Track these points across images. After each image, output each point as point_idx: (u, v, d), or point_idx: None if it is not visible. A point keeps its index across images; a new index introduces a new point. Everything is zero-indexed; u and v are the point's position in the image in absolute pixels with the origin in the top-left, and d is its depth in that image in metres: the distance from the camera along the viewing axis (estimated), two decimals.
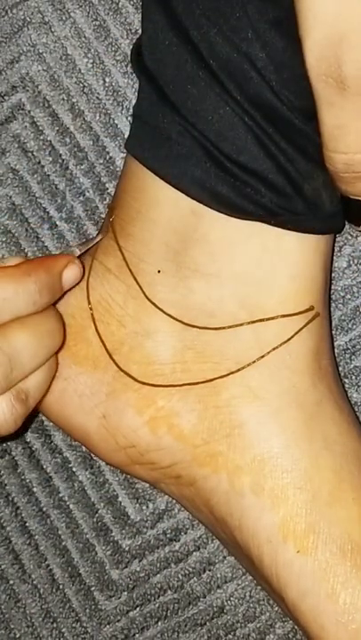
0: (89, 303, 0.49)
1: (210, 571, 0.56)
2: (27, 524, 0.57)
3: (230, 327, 0.47)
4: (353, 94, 0.37)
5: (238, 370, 0.47)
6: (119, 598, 0.57)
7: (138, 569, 0.57)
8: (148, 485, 0.56)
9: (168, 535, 0.56)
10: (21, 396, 0.45)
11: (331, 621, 0.46)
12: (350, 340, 0.56)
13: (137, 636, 0.56)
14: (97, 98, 0.56)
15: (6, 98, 0.57)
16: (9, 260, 0.46)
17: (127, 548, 0.57)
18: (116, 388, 0.49)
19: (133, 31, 0.56)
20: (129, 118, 0.56)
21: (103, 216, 0.56)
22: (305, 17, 0.37)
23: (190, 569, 0.56)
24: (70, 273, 0.47)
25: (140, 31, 0.53)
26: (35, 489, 0.57)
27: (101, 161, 0.57)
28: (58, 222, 0.57)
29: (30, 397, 0.45)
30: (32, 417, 0.53)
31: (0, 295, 0.43)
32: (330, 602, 0.46)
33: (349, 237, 0.55)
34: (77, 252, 0.49)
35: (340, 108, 0.38)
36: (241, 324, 0.47)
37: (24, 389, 0.45)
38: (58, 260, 0.47)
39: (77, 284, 0.50)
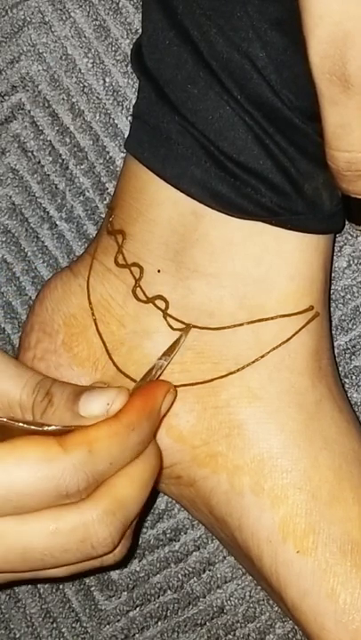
0: (90, 303, 0.49)
1: (210, 571, 0.56)
2: None
3: (230, 327, 0.47)
4: (357, 93, 0.37)
5: (237, 370, 0.47)
6: (119, 598, 0.57)
7: (138, 569, 0.57)
8: None
9: (168, 535, 0.56)
10: (128, 532, 0.44)
11: (331, 621, 0.46)
12: (350, 340, 0.56)
13: (137, 636, 0.56)
14: (97, 98, 0.56)
15: (6, 98, 0.57)
16: (98, 399, 0.42)
17: None
18: None
19: (133, 31, 0.56)
20: (129, 118, 0.56)
21: (103, 216, 0.56)
22: (309, 15, 0.37)
23: (190, 569, 0.56)
24: (167, 404, 0.45)
25: (140, 31, 0.53)
26: None
27: (101, 161, 0.57)
28: (58, 222, 0.57)
29: (131, 525, 0.44)
30: None
31: (106, 460, 0.41)
32: (330, 602, 0.46)
33: (349, 237, 0.55)
34: (165, 363, 0.47)
35: (343, 106, 0.38)
36: (241, 324, 0.47)
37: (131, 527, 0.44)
38: (157, 400, 0.44)
39: (79, 284, 0.50)
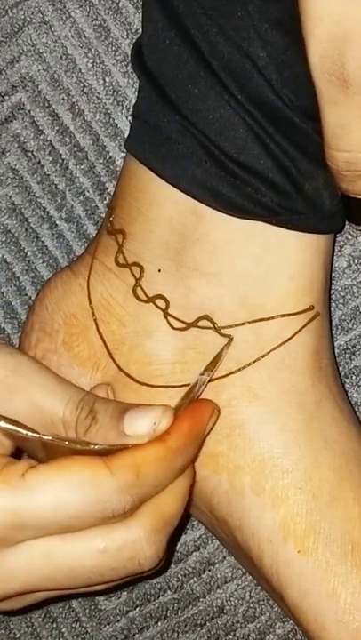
0: (90, 303, 0.49)
1: (210, 571, 0.56)
2: None
3: (230, 327, 0.47)
4: (356, 93, 0.37)
5: (238, 370, 0.47)
6: (119, 598, 0.57)
7: None
8: None
9: None
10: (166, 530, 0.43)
11: (331, 621, 0.46)
12: (350, 339, 0.56)
13: (137, 636, 0.56)
14: (97, 97, 0.56)
15: (6, 97, 0.57)
16: (144, 419, 0.41)
17: None
18: (116, 388, 0.49)
19: (134, 31, 0.56)
20: (129, 118, 0.56)
21: (103, 216, 0.56)
22: (309, 15, 0.37)
23: (190, 569, 0.56)
24: (211, 423, 0.44)
25: (140, 31, 0.53)
26: None
27: (101, 161, 0.57)
28: (58, 222, 0.57)
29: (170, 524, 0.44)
30: None
31: (152, 484, 0.40)
32: (331, 601, 0.46)
33: (350, 237, 0.55)
34: (207, 378, 0.46)
35: (342, 106, 0.38)
36: (241, 324, 0.47)
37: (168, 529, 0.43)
38: (204, 420, 0.43)
39: (79, 283, 0.50)
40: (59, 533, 0.39)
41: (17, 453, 0.43)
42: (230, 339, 0.47)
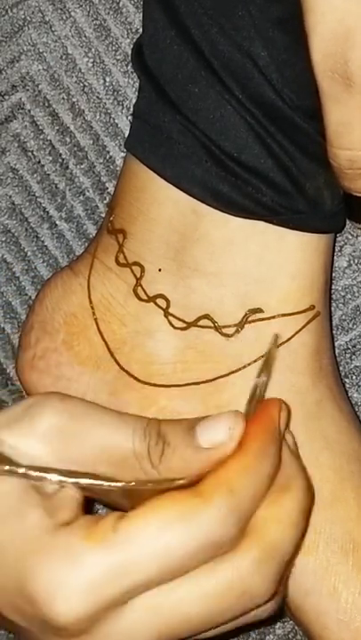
0: (90, 302, 0.49)
1: None
2: None
3: (231, 326, 0.47)
4: (358, 91, 0.37)
5: (239, 369, 0.47)
6: None
7: None
8: None
9: None
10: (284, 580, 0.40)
11: (333, 620, 0.46)
12: (351, 339, 0.56)
13: None
14: (97, 97, 0.56)
15: (6, 97, 0.57)
16: (217, 432, 0.37)
17: None
18: (117, 387, 0.49)
19: (134, 30, 0.56)
20: (129, 118, 0.56)
21: (103, 215, 0.56)
22: (312, 13, 0.37)
23: None
24: (284, 420, 0.39)
25: (140, 30, 0.53)
26: None
27: (101, 160, 0.57)
28: (57, 222, 0.57)
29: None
30: None
31: (248, 496, 0.36)
32: (332, 601, 0.46)
33: (350, 237, 0.55)
34: (265, 380, 0.42)
35: (345, 104, 0.38)
36: (241, 324, 0.47)
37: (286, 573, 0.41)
38: (274, 417, 0.39)
39: (79, 283, 0.50)
40: (166, 582, 0.35)
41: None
42: (277, 336, 0.44)
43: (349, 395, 0.56)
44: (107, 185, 0.57)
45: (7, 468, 0.36)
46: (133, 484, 0.36)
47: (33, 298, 0.56)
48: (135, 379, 0.48)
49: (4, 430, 0.37)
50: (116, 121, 0.56)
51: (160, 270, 0.48)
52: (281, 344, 0.47)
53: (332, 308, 0.55)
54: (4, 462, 0.36)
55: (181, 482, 0.36)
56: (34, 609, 0.35)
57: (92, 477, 0.36)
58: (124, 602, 0.35)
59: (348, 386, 0.56)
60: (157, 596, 0.35)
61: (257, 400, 0.40)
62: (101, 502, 0.39)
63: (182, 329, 0.47)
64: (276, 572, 0.37)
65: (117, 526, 0.35)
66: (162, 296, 0.48)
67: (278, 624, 0.55)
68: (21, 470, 0.36)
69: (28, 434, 0.37)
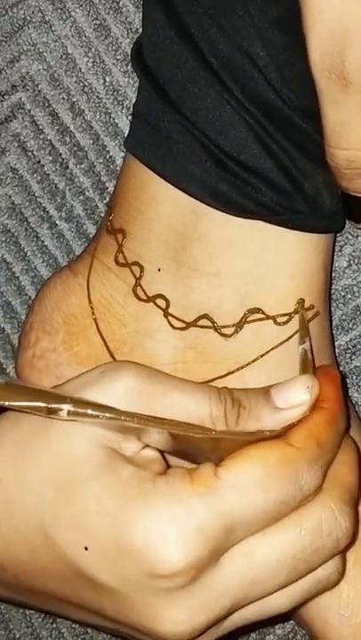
0: (90, 302, 0.49)
1: None
2: None
3: (230, 326, 0.47)
4: (356, 91, 0.37)
5: (238, 369, 0.47)
6: None
7: None
8: None
9: None
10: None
11: (334, 616, 0.46)
12: (351, 339, 0.56)
13: None
14: (97, 97, 0.56)
15: (6, 97, 0.57)
16: (301, 380, 0.39)
17: None
18: None
19: (134, 30, 0.56)
20: (129, 117, 0.56)
21: (103, 215, 0.56)
22: (310, 13, 0.37)
23: None
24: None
25: (140, 30, 0.53)
26: None
27: (101, 160, 0.57)
28: (57, 222, 0.57)
29: None
30: None
31: (331, 450, 0.39)
32: (333, 596, 0.46)
33: (350, 237, 0.55)
34: (309, 344, 0.44)
35: (342, 104, 0.38)
36: (240, 323, 0.47)
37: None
38: (336, 379, 0.41)
39: (78, 283, 0.50)
40: (264, 527, 0.37)
41: None
42: (302, 300, 0.46)
43: (349, 395, 0.56)
44: (107, 185, 0.57)
45: (109, 415, 0.36)
46: (225, 431, 0.37)
47: (33, 298, 0.56)
48: None
49: (84, 391, 0.37)
50: (116, 121, 0.56)
51: (159, 270, 0.48)
52: (280, 344, 0.47)
53: (332, 308, 0.55)
54: (106, 411, 0.36)
55: (269, 434, 0.38)
56: (134, 561, 0.34)
57: (187, 426, 0.37)
58: (226, 550, 0.36)
59: (348, 386, 0.56)
60: (250, 543, 0.36)
61: (309, 364, 0.43)
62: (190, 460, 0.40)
63: (182, 329, 0.47)
64: (353, 512, 0.39)
65: (219, 473, 0.36)
66: (161, 296, 0.48)
67: (278, 624, 0.55)
68: (128, 419, 0.36)
69: (107, 394, 0.37)
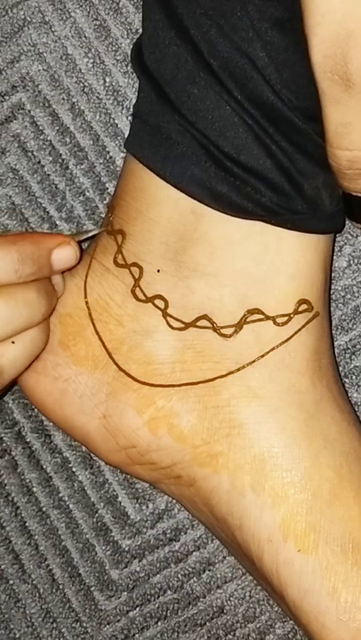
0: (86, 303, 0.49)
1: (210, 571, 0.56)
2: (27, 524, 0.57)
3: (230, 326, 0.47)
4: (358, 92, 0.37)
5: (238, 369, 0.47)
6: (119, 598, 0.57)
7: (138, 569, 0.57)
8: (147, 485, 0.56)
9: (168, 535, 0.56)
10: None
11: (332, 620, 0.46)
12: (350, 339, 0.56)
13: (137, 636, 0.56)
14: (97, 97, 0.56)
15: (6, 97, 0.57)
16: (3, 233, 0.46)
17: (127, 548, 0.57)
18: (115, 387, 0.49)
19: (134, 31, 0.56)
20: (129, 118, 0.56)
21: (103, 216, 0.56)
22: (312, 14, 0.37)
23: (190, 569, 0.56)
24: (63, 253, 0.47)
25: (140, 31, 0.53)
26: (35, 489, 0.57)
27: (101, 160, 0.57)
28: (58, 222, 0.57)
29: (5, 373, 0.46)
30: (10, 387, 0.53)
31: None
32: (331, 600, 0.46)
33: (350, 237, 0.55)
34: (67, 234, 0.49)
35: (345, 105, 0.38)
36: (240, 324, 0.47)
37: None
38: (50, 238, 0.47)
39: (76, 283, 0.50)
40: None
41: None
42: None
43: (349, 395, 0.56)
44: (107, 185, 0.57)
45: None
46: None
47: None
48: (133, 379, 0.48)
49: None
50: (116, 121, 0.56)
51: (158, 271, 0.48)
52: (280, 344, 0.47)
53: (332, 308, 0.55)
54: None
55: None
56: None
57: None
58: None
59: (348, 386, 0.56)
60: None
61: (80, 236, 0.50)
62: None
63: (181, 329, 0.47)
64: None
65: None
66: (160, 296, 0.48)
67: (278, 624, 0.55)
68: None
69: None
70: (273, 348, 0.47)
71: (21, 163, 0.57)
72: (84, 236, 0.50)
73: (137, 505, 0.57)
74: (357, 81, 0.37)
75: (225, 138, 0.44)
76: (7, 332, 0.45)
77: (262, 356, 0.47)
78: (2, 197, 0.57)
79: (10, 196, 0.57)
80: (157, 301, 0.48)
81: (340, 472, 0.47)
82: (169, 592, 0.56)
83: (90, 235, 0.50)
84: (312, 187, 0.45)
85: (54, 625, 0.57)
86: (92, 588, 0.57)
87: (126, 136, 0.49)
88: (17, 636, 0.57)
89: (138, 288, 0.48)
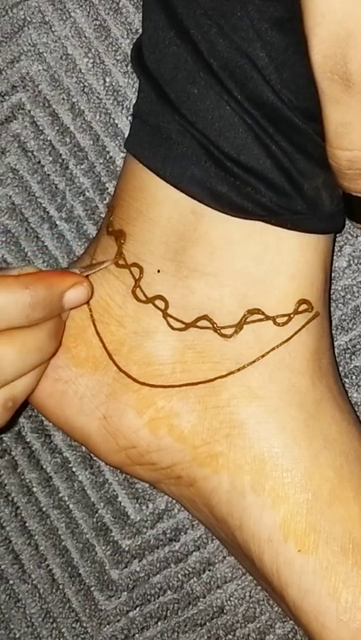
0: (88, 304, 0.49)
1: (210, 571, 0.56)
2: (26, 524, 0.57)
3: (230, 327, 0.47)
4: (358, 92, 0.37)
5: (238, 370, 0.47)
6: (119, 598, 0.57)
7: (138, 569, 0.57)
8: (147, 485, 0.56)
9: (168, 535, 0.56)
10: (8, 404, 0.45)
11: (332, 620, 0.46)
12: (350, 339, 0.56)
13: (137, 636, 0.56)
14: (97, 97, 0.56)
15: (6, 97, 0.57)
16: (13, 270, 0.46)
17: (127, 548, 0.57)
18: (116, 388, 0.49)
19: (134, 31, 0.56)
20: (129, 118, 0.56)
21: (103, 216, 0.56)
22: (311, 14, 0.37)
23: (190, 569, 0.56)
24: (75, 294, 0.46)
25: (140, 31, 0.53)
26: (35, 489, 0.57)
27: (101, 160, 0.57)
28: (58, 222, 0.57)
29: (16, 402, 0.46)
30: (21, 410, 0.53)
31: None
32: (331, 600, 0.46)
33: (350, 237, 0.55)
34: (78, 272, 0.48)
35: (345, 105, 0.38)
36: (240, 324, 0.47)
37: (10, 397, 0.45)
38: (63, 279, 0.46)
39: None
40: None
41: None
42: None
43: (349, 395, 0.56)
44: (107, 185, 0.57)
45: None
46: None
47: None
48: (133, 380, 0.48)
49: None
50: (116, 121, 0.56)
51: (159, 271, 0.48)
52: (280, 344, 0.47)
53: (332, 308, 0.55)
54: None
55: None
56: None
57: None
58: None
59: (348, 386, 0.56)
60: None
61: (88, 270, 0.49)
62: None
63: (181, 330, 0.47)
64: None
65: None
66: (160, 297, 0.48)
67: (278, 624, 0.55)
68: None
69: None
70: (273, 348, 0.47)
71: (21, 163, 0.57)
72: (97, 270, 0.49)
73: (137, 505, 0.57)
74: (357, 81, 0.37)
75: (225, 138, 0.44)
76: (18, 375, 0.45)
77: (262, 356, 0.47)
78: (2, 197, 0.57)
79: (10, 196, 0.57)
80: (158, 302, 0.48)
81: (341, 472, 0.47)
82: (169, 592, 0.56)
83: (102, 267, 0.49)
84: (312, 187, 0.45)
85: (54, 625, 0.57)
86: (92, 588, 0.57)
87: (126, 136, 0.49)
88: (17, 636, 0.57)
89: (138, 288, 0.48)
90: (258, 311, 0.47)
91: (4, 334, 0.44)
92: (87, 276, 0.48)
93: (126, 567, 0.57)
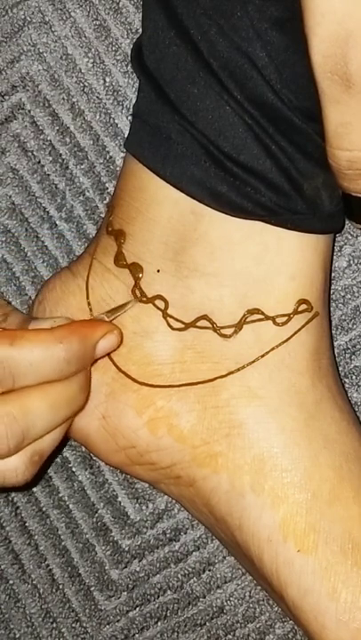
0: (88, 304, 0.49)
1: (209, 571, 0.56)
2: (26, 524, 0.57)
3: (230, 326, 0.47)
4: (358, 92, 0.37)
5: (238, 369, 0.47)
6: (119, 598, 0.57)
7: (137, 569, 0.57)
8: (147, 485, 0.56)
9: (168, 535, 0.56)
10: (35, 457, 0.44)
11: (332, 620, 0.46)
12: (350, 339, 0.56)
13: (137, 636, 0.56)
14: (97, 97, 0.56)
15: (6, 97, 0.57)
16: (46, 322, 0.45)
17: (127, 548, 0.57)
18: (115, 388, 0.49)
19: (134, 31, 0.56)
20: (129, 118, 0.56)
21: (103, 216, 0.56)
22: (312, 14, 0.37)
23: (190, 569, 0.56)
24: (106, 343, 0.46)
25: (140, 31, 0.53)
26: (35, 489, 0.57)
27: (101, 160, 0.57)
28: (58, 222, 0.57)
29: (42, 457, 0.45)
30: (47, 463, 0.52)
31: (26, 359, 0.42)
32: (331, 600, 0.46)
33: (350, 237, 0.55)
34: (106, 319, 0.48)
35: (345, 105, 0.38)
36: (240, 324, 0.47)
37: (38, 451, 0.44)
38: (95, 330, 0.45)
39: (78, 284, 0.50)
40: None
41: None
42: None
43: (349, 395, 0.56)
44: (107, 185, 0.57)
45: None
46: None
47: (33, 298, 0.56)
48: (133, 380, 0.48)
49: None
50: (116, 121, 0.56)
51: (158, 271, 0.48)
52: (280, 344, 0.47)
53: (332, 308, 0.55)
54: None
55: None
56: None
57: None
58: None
59: (348, 386, 0.56)
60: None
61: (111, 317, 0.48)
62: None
63: (181, 330, 0.47)
64: (20, 434, 0.43)
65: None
66: (160, 297, 0.48)
67: (278, 624, 0.55)
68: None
69: None
70: (273, 348, 0.47)
71: (21, 163, 0.57)
72: (121, 312, 0.48)
73: (137, 505, 0.57)
74: (357, 81, 0.37)
75: (225, 138, 0.44)
76: (48, 430, 0.44)
77: (262, 356, 0.47)
78: (2, 197, 0.57)
79: (10, 196, 0.57)
80: (158, 302, 0.48)
81: (340, 472, 0.47)
82: (169, 592, 0.56)
83: (126, 310, 0.48)
84: (312, 187, 0.45)
85: (54, 625, 0.57)
86: (92, 588, 0.57)
87: (126, 136, 0.49)
88: (17, 636, 0.57)
89: (138, 288, 0.48)
90: (258, 311, 0.47)
91: (37, 389, 0.43)
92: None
93: (126, 567, 0.57)
